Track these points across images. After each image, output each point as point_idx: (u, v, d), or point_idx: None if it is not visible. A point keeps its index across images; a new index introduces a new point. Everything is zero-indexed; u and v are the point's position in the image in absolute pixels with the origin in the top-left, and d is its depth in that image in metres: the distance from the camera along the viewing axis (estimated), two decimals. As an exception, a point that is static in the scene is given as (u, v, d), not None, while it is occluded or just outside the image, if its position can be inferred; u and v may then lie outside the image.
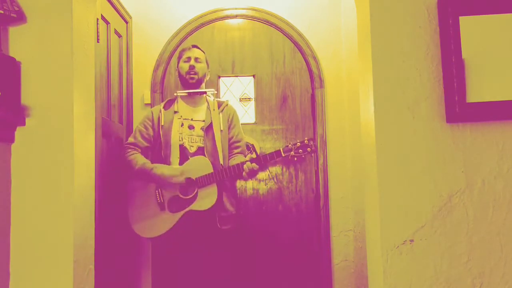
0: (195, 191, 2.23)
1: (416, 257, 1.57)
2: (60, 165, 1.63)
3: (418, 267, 1.57)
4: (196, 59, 2.42)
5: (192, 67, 2.39)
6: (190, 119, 2.37)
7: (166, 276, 2.34)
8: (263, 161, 2.21)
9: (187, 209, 2.22)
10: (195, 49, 2.47)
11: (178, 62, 2.47)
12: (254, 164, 2.19)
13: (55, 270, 1.60)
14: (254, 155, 2.42)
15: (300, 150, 2.23)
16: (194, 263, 2.27)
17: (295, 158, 2.23)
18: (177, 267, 2.30)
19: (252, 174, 2.21)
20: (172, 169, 2.25)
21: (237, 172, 2.21)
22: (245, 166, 2.19)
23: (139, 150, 2.35)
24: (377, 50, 1.64)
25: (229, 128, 2.41)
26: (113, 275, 2.38)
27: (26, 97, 1.65)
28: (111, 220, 2.34)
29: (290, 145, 2.24)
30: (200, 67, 2.41)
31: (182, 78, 2.43)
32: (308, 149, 2.23)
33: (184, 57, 2.44)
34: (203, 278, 2.25)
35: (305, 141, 2.25)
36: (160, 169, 2.26)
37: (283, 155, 2.22)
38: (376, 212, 1.62)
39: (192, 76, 2.39)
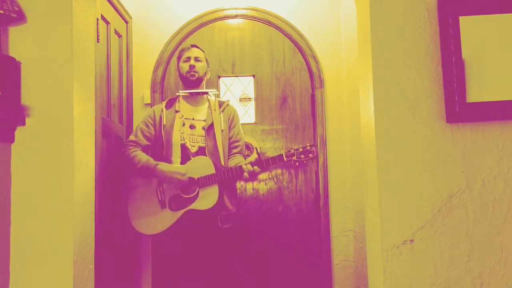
0: (197, 190, 2.24)
1: (416, 257, 1.57)
2: (60, 165, 1.63)
3: (418, 267, 1.57)
4: (196, 59, 2.42)
5: (192, 67, 2.39)
6: (191, 118, 2.38)
7: (166, 276, 2.34)
8: (265, 164, 2.26)
9: (188, 208, 2.23)
10: (194, 48, 2.47)
11: (178, 63, 2.48)
12: (256, 167, 2.22)
13: (55, 270, 1.60)
14: (255, 155, 2.43)
15: (302, 156, 2.27)
16: (194, 262, 2.27)
17: (297, 163, 2.28)
18: (177, 266, 2.30)
19: (253, 176, 2.24)
20: (175, 167, 2.27)
21: (239, 173, 2.24)
22: (246, 168, 2.22)
23: (140, 148, 2.35)
24: (377, 50, 1.64)
25: (229, 127, 2.42)
26: (113, 275, 2.37)
27: (26, 97, 1.65)
28: (111, 220, 2.34)
29: (292, 150, 2.28)
30: (200, 66, 2.42)
31: (183, 77, 2.43)
32: (310, 155, 2.28)
33: (183, 57, 2.44)
34: (203, 277, 2.25)
35: (307, 147, 2.29)
36: (165, 166, 2.27)
37: (285, 159, 2.26)
38: (376, 212, 1.62)
39: (192, 73, 2.39)
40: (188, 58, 2.42)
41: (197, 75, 2.40)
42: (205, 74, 2.46)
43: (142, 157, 2.31)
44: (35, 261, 1.61)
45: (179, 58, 2.48)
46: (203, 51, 2.50)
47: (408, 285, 1.57)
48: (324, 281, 2.92)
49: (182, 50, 2.49)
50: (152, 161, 2.29)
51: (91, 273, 1.75)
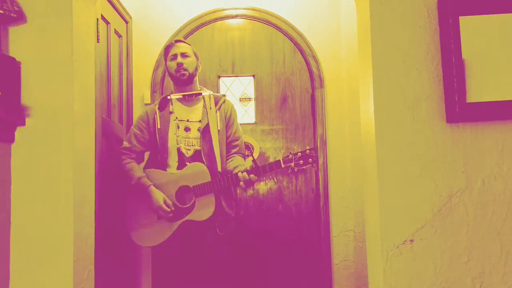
0: (193, 200, 2.16)
1: (416, 257, 1.57)
2: (60, 165, 1.63)
3: (418, 267, 1.57)
4: (182, 54, 2.26)
5: (180, 65, 2.24)
6: (186, 120, 2.28)
7: (166, 277, 2.34)
8: (262, 171, 2.12)
9: (184, 219, 2.16)
10: (179, 44, 2.31)
11: (166, 62, 2.33)
12: (252, 175, 2.10)
13: (55, 270, 1.60)
14: (251, 159, 2.29)
15: (301, 161, 2.10)
16: (194, 264, 2.25)
17: (296, 169, 2.11)
18: (177, 268, 2.28)
19: (249, 184, 2.13)
20: (166, 201, 2.15)
21: (234, 182, 2.14)
22: (242, 176, 2.10)
23: (134, 155, 2.29)
24: (377, 50, 1.64)
25: (226, 126, 2.32)
26: (113, 276, 2.37)
27: (26, 97, 1.65)
28: (111, 220, 2.34)
29: (290, 156, 2.12)
30: (188, 62, 2.26)
31: (173, 77, 2.29)
32: (310, 160, 2.10)
33: (170, 55, 2.29)
34: (203, 279, 2.24)
35: (307, 151, 2.11)
36: (156, 194, 2.17)
37: (282, 166, 2.11)
38: (376, 212, 1.62)
39: (182, 73, 2.24)
40: (175, 56, 2.26)
41: (187, 73, 2.24)
42: (196, 69, 2.30)
43: (136, 172, 2.22)
44: (35, 261, 1.61)
45: (165, 57, 2.32)
46: (190, 45, 2.33)
47: (408, 285, 1.57)
48: (324, 281, 2.92)
49: (168, 48, 2.32)
50: (145, 180, 2.19)
51: (91, 273, 1.75)
